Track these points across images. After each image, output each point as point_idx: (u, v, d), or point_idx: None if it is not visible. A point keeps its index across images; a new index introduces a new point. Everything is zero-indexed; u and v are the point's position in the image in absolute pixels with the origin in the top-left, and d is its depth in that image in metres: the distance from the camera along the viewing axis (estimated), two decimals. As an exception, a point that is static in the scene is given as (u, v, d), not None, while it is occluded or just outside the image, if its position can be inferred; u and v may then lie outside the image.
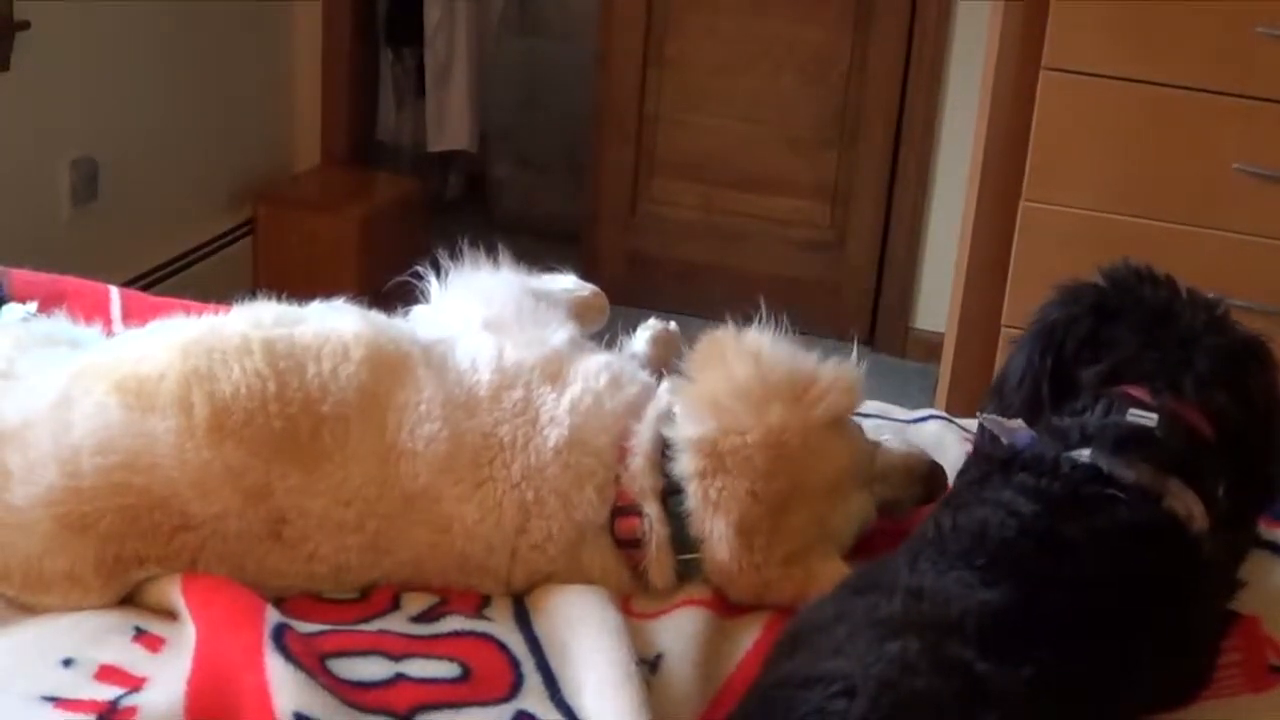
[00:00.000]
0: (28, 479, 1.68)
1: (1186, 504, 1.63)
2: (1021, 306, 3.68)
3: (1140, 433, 1.67)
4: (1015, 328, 3.62)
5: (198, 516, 1.70)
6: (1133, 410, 1.70)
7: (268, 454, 1.71)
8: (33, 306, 2.27)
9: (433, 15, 5.52)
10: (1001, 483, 1.63)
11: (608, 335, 2.19)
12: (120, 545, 1.69)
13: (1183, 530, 1.61)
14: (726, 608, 1.81)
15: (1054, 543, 1.55)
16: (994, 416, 1.76)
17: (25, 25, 3.89)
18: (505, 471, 1.77)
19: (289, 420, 1.72)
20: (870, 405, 2.36)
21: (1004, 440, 1.72)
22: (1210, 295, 1.89)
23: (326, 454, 1.73)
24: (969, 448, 2.01)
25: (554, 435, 1.79)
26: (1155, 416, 1.69)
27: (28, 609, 1.69)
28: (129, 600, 1.73)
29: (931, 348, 4.63)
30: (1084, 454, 1.64)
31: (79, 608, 1.69)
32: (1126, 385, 1.75)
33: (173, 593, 1.68)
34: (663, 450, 1.82)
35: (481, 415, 1.79)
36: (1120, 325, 1.82)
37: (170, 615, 1.68)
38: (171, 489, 1.70)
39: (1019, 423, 1.73)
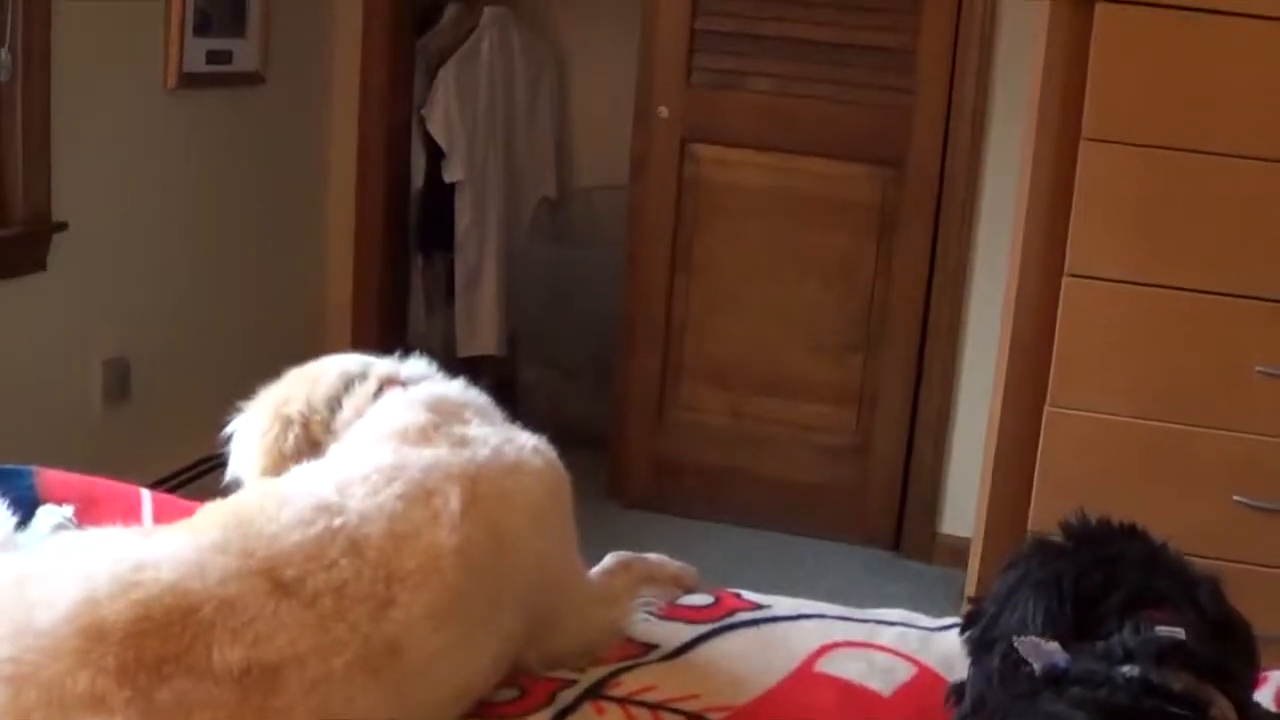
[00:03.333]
0: (49, 604, 1.71)
1: (1225, 712, 1.65)
2: (1048, 510, 3.68)
3: (1176, 645, 1.69)
4: (1042, 532, 3.61)
5: (200, 595, 1.74)
6: (1159, 627, 1.72)
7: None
8: (69, 510, 2.29)
9: (463, 221, 5.61)
10: (1052, 698, 1.63)
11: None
12: (138, 647, 1.69)
13: None
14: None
15: None
16: (1030, 639, 1.76)
17: (63, 226, 3.96)
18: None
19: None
20: (895, 613, 2.36)
21: (1037, 664, 1.72)
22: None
23: None
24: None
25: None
26: (1182, 630, 1.71)
27: None
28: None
29: (958, 552, 4.61)
30: (1129, 669, 1.65)
31: None
32: (1146, 609, 1.77)
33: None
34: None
35: None
36: (1121, 567, 1.84)
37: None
38: (175, 574, 1.75)
39: (1055, 645, 1.73)
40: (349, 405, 2.17)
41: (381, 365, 2.23)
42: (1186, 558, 1.88)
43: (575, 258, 6.08)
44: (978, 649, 1.89)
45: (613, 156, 5.59)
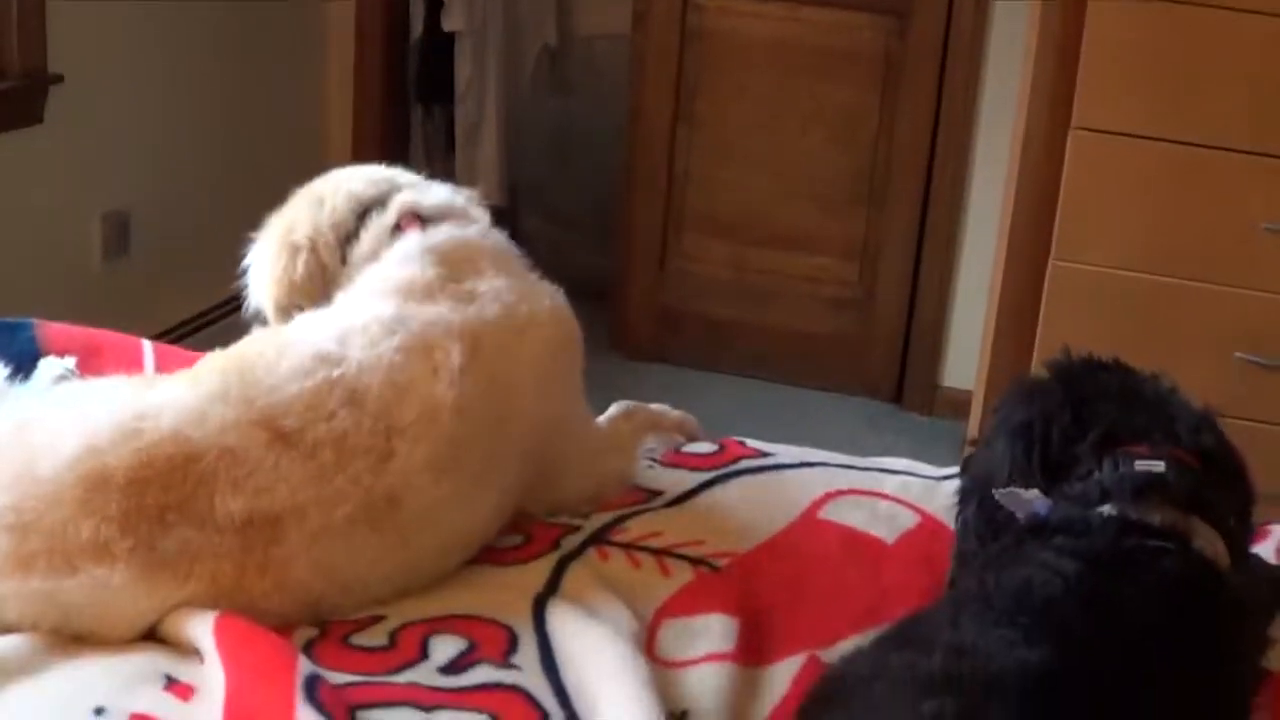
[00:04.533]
0: (52, 450, 1.73)
1: (1211, 542, 1.66)
2: (1050, 364, 3.68)
3: (1154, 479, 1.70)
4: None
5: (200, 443, 1.75)
6: (1139, 461, 1.72)
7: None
8: (70, 362, 2.29)
9: (463, 72, 5.56)
10: (1039, 546, 1.64)
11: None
12: (141, 495, 1.71)
13: (1216, 573, 1.63)
14: (752, 659, 1.81)
15: (1101, 601, 1.54)
16: (1009, 489, 1.76)
17: (59, 79, 3.93)
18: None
19: None
20: (898, 462, 2.37)
21: (1019, 513, 1.72)
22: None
23: None
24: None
25: None
26: (1162, 463, 1.71)
27: (51, 605, 1.70)
28: (157, 638, 1.74)
29: (959, 405, 4.62)
30: (1107, 508, 1.66)
31: (105, 601, 1.70)
32: (1124, 445, 1.77)
33: (202, 634, 1.69)
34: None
35: None
36: (1096, 404, 1.83)
37: (199, 657, 1.69)
38: (175, 422, 1.76)
39: (1035, 492, 1.74)
40: (366, 238, 2.11)
41: (402, 194, 2.15)
42: (1177, 392, 1.88)
43: (577, 108, 6.04)
44: (964, 497, 1.90)
45: (615, 4, 5.52)
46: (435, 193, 2.18)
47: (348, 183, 2.18)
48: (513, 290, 2.04)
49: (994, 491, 1.78)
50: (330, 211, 2.14)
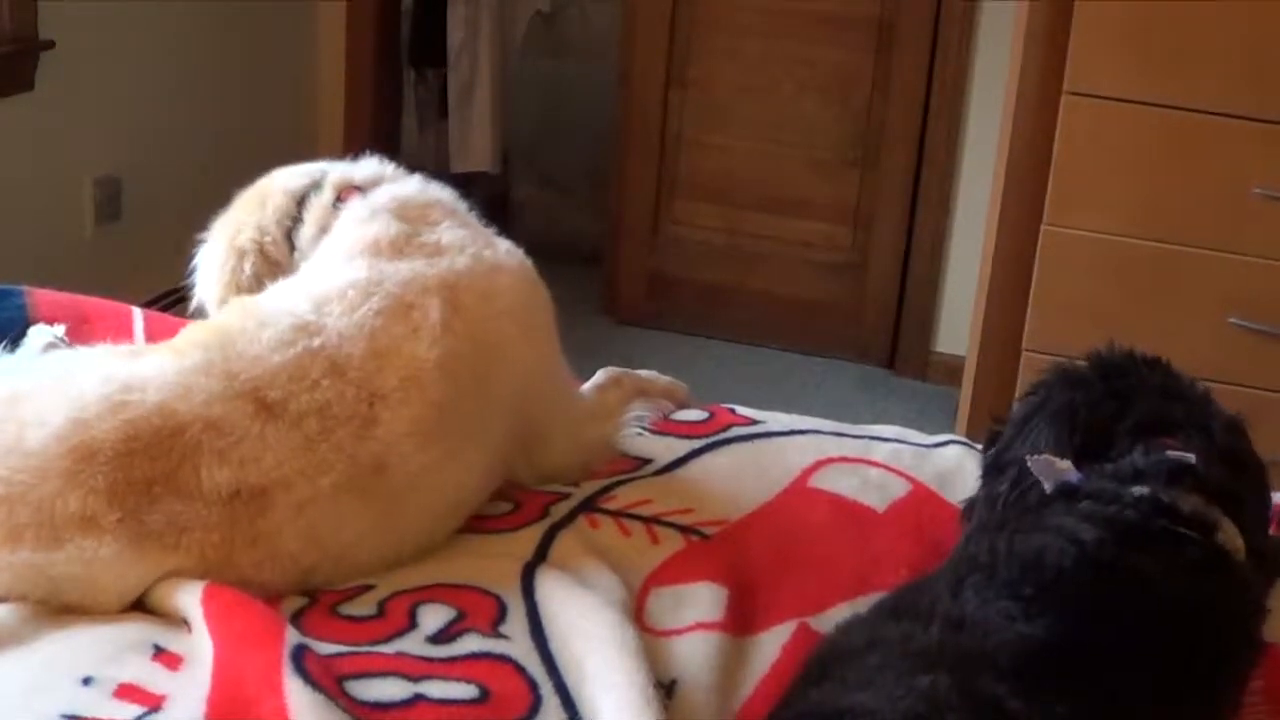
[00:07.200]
0: (40, 423, 1.73)
1: (1232, 537, 1.66)
2: (1043, 330, 3.69)
3: (1186, 468, 1.70)
4: (1037, 352, 3.62)
5: (186, 416, 1.75)
6: (1170, 451, 1.72)
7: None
8: (60, 329, 2.29)
9: (455, 36, 5.54)
10: (1064, 509, 1.64)
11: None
12: (128, 468, 1.71)
13: (1232, 565, 1.64)
14: (741, 628, 1.81)
15: (1118, 573, 1.54)
16: (1044, 457, 1.76)
17: (50, 45, 3.91)
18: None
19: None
20: (889, 429, 2.37)
21: (1048, 482, 1.72)
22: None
23: None
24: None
25: None
26: (1193, 456, 1.71)
27: (40, 577, 1.70)
28: (146, 608, 1.74)
29: (952, 371, 4.62)
30: (1139, 489, 1.66)
31: (94, 574, 1.70)
32: (1158, 436, 1.77)
33: (190, 604, 1.69)
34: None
35: None
36: (1136, 397, 1.84)
37: (187, 627, 1.69)
38: (161, 395, 1.76)
39: (1068, 463, 1.74)
40: (309, 219, 2.13)
41: (334, 171, 2.18)
42: (1210, 396, 1.88)
43: (570, 73, 6.02)
44: (988, 472, 1.89)
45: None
46: (364, 166, 2.20)
47: (283, 180, 2.21)
48: (474, 241, 2.06)
49: (1027, 459, 1.77)
50: (273, 210, 2.16)
